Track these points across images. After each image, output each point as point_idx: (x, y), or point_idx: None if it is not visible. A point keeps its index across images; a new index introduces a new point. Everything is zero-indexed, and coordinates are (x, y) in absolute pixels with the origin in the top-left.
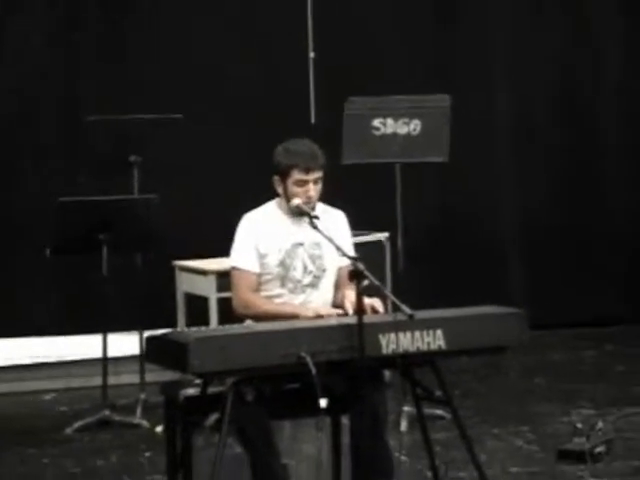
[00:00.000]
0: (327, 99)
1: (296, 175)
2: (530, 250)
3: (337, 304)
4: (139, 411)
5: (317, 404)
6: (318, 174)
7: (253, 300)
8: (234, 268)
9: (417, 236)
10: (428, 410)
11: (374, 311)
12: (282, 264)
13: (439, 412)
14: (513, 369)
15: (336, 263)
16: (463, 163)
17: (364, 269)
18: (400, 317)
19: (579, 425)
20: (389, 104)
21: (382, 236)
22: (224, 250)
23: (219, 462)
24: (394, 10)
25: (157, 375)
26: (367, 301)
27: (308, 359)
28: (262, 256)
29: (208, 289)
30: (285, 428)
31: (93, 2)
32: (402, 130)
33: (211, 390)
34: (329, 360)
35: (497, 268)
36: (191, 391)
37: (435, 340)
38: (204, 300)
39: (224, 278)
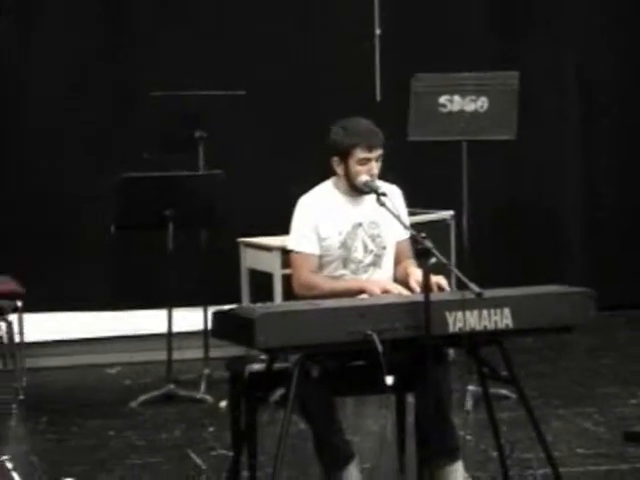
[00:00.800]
0: (393, 76)
1: (359, 154)
2: (596, 231)
3: (398, 279)
4: (203, 386)
5: (382, 382)
6: (380, 151)
7: (316, 281)
8: (294, 252)
9: (483, 216)
10: (493, 390)
11: (440, 289)
12: (344, 246)
13: (504, 392)
14: (579, 350)
15: (394, 238)
16: (530, 143)
17: (432, 247)
18: (468, 295)
19: None
20: (456, 81)
21: (447, 214)
22: (288, 227)
23: (284, 437)
24: None
25: (221, 351)
26: (433, 279)
27: (375, 337)
28: (323, 239)
29: (273, 265)
30: (348, 404)
31: None
32: (469, 107)
33: (276, 366)
34: (395, 338)
35: (563, 249)
36: (256, 367)
37: (502, 319)
38: (268, 276)
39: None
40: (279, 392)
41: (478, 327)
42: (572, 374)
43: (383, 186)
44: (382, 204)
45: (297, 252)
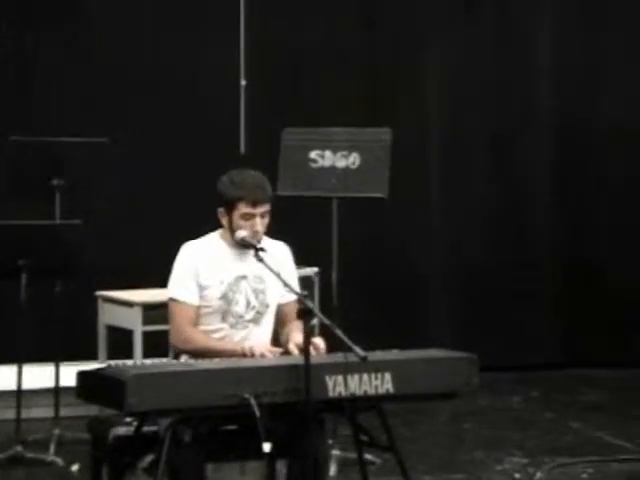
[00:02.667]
0: (258, 129)
1: (243, 208)
2: (458, 290)
3: (282, 344)
4: (52, 448)
5: (256, 447)
6: (265, 207)
7: (192, 335)
8: (172, 299)
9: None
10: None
11: (315, 350)
12: (224, 297)
13: (369, 457)
14: (440, 414)
15: (278, 299)
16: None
17: (313, 306)
18: (351, 358)
19: (517, 476)
20: (328, 136)
21: (311, 271)
22: (151, 281)
23: None
24: (325, 33)
25: (72, 410)
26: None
27: (252, 401)
28: (203, 288)
29: (133, 322)
30: (208, 469)
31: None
32: (340, 163)
33: (144, 429)
34: (273, 402)
35: (423, 307)
36: (122, 430)
37: (383, 384)
38: (127, 333)
39: (150, 310)
40: (148, 458)
41: (358, 392)
42: (436, 439)
43: (269, 243)
44: (260, 260)
45: (175, 300)
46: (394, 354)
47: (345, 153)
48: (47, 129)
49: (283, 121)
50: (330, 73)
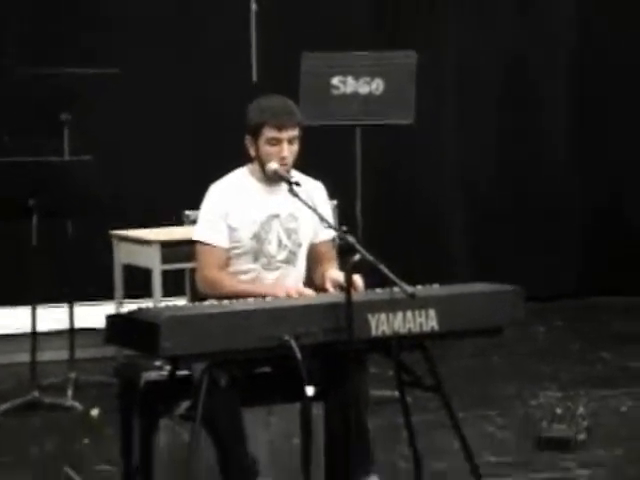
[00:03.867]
0: (271, 55)
1: (268, 133)
2: (474, 220)
3: (317, 284)
4: (70, 392)
5: (293, 389)
6: (293, 132)
7: (221, 279)
8: (199, 242)
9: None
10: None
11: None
12: (256, 237)
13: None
14: (466, 348)
15: (311, 237)
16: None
17: (355, 242)
18: (397, 296)
19: (558, 410)
20: (349, 60)
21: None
22: (168, 219)
23: (194, 454)
24: None
25: (87, 352)
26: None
27: (292, 342)
28: (233, 229)
29: (151, 261)
30: None
31: None
32: (363, 89)
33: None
34: (313, 343)
35: (440, 238)
36: (154, 374)
37: (428, 321)
38: (145, 272)
39: (169, 248)
40: (184, 404)
41: (402, 330)
42: (464, 374)
43: (307, 181)
44: (295, 195)
45: (202, 243)
46: (436, 289)
47: (368, 79)
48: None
49: (297, 47)
50: None
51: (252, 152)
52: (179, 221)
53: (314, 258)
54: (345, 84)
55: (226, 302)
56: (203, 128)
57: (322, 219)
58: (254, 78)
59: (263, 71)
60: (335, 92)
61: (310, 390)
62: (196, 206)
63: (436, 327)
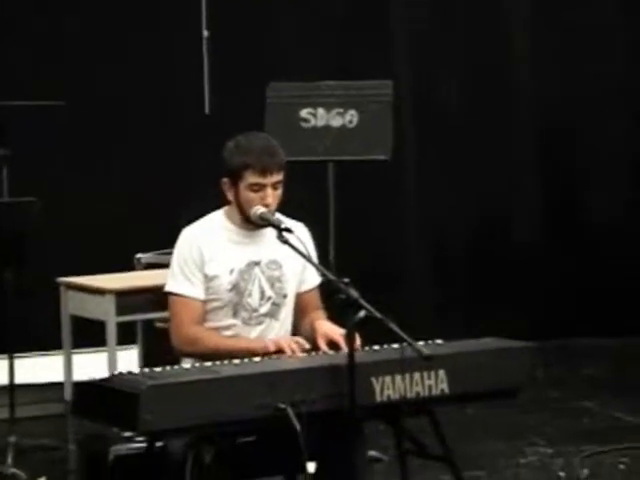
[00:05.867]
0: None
1: (250, 178)
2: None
3: (304, 336)
4: (10, 458)
5: (287, 461)
6: (277, 177)
7: (201, 335)
8: (173, 294)
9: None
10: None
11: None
12: (235, 288)
13: (373, 453)
14: None
15: (298, 287)
16: None
17: (358, 297)
18: (403, 355)
19: (561, 474)
20: (319, 91)
21: None
22: (122, 265)
23: None
24: None
25: (28, 410)
26: (337, 331)
27: (290, 411)
28: (209, 279)
29: (105, 312)
30: None
31: None
32: (336, 122)
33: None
34: (312, 411)
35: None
36: (124, 448)
37: (438, 383)
38: (92, 323)
39: (123, 297)
40: None
41: (410, 394)
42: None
43: (290, 224)
44: (285, 242)
45: (177, 296)
46: (442, 346)
47: (340, 110)
48: None
49: (253, 75)
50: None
51: (230, 196)
52: (130, 266)
53: (299, 309)
54: (315, 117)
55: (208, 364)
56: (155, 164)
57: (318, 269)
58: (206, 110)
59: (216, 103)
60: (304, 125)
61: (311, 467)
62: (148, 249)
63: (446, 390)
